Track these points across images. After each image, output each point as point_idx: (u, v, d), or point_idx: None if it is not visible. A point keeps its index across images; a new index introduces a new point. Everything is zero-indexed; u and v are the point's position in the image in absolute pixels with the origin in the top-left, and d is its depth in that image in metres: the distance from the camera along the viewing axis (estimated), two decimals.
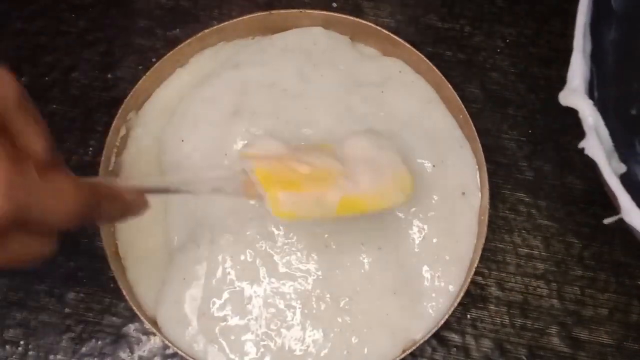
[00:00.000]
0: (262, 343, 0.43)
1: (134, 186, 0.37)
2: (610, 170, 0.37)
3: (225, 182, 0.40)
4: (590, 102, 0.38)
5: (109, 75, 0.53)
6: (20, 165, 0.28)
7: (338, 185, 0.40)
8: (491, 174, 0.46)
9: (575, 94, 0.39)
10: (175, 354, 0.46)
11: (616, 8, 0.43)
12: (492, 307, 0.48)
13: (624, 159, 0.39)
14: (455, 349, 0.47)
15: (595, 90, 0.40)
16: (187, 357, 0.43)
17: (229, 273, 0.44)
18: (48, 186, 0.29)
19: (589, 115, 0.38)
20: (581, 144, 0.38)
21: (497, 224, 0.49)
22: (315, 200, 0.39)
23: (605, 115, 0.39)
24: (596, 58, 0.40)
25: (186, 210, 0.45)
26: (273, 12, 0.50)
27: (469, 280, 0.44)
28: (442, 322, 0.43)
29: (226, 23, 0.49)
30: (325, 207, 0.39)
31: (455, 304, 0.43)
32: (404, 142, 0.47)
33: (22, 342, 0.47)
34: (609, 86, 0.42)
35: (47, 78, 0.53)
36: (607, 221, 0.37)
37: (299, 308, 0.44)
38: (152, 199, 0.37)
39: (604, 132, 0.38)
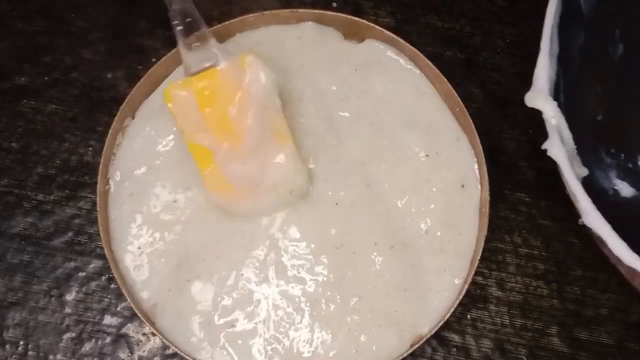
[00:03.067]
0: (269, 347, 0.43)
1: None
2: (572, 172, 0.37)
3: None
4: (555, 103, 0.38)
5: (109, 75, 0.53)
6: None
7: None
8: (491, 174, 0.46)
9: (539, 95, 0.39)
10: (175, 354, 0.46)
11: (585, 12, 0.43)
12: (492, 307, 0.48)
13: (588, 163, 0.39)
14: (455, 349, 0.47)
15: (562, 94, 0.40)
16: (188, 358, 0.43)
17: (230, 285, 0.44)
18: None
19: (552, 116, 0.38)
20: (544, 145, 0.38)
21: (497, 224, 0.49)
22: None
23: (571, 120, 0.39)
24: (563, 61, 0.40)
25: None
26: (265, 12, 0.50)
27: (472, 273, 0.44)
28: (448, 315, 0.43)
29: (219, 25, 0.49)
30: None
31: (461, 297, 0.43)
32: (392, 129, 0.47)
33: (21, 343, 0.47)
34: (575, 90, 0.42)
35: (47, 78, 0.53)
36: (581, 221, 0.37)
37: (308, 311, 0.44)
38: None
39: (567, 134, 0.38)
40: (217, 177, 0.44)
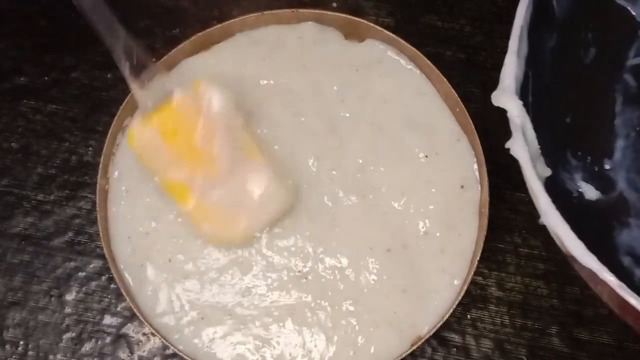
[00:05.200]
0: (260, 350, 0.43)
1: None
2: (533, 172, 0.37)
3: None
4: (520, 102, 0.38)
5: (109, 75, 0.53)
6: None
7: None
8: (491, 174, 0.46)
9: (504, 93, 0.39)
10: (175, 354, 0.46)
11: (558, 15, 0.43)
12: (492, 307, 0.48)
13: (554, 165, 0.39)
14: (455, 349, 0.47)
15: (530, 94, 0.40)
16: (187, 358, 0.43)
17: (219, 287, 0.44)
18: None
19: (517, 115, 0.38)
20: (507, 144, 0.38)
21: (497, 224, 0.49)
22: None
23: (539, 121, 0.39)
24: (534, 62, 0.40)
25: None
26: (265, 12, 0.50)
27: (472, 273, 0.44)
28: (448, 315, 0.43)
29: (219, 25, 0.49)
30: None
31: (460, 297, 0.43)
32: (392, 130, 0.47)
33: (21, 343, 0.47)
34: (545, 92, 0.42)
35: (47, 78, 0.53)
36: (541, 221, 0.37)
37: (297, 316, 0.44)
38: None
39: (531, 133, 0.38)
40: (201, 210, 0.43)
